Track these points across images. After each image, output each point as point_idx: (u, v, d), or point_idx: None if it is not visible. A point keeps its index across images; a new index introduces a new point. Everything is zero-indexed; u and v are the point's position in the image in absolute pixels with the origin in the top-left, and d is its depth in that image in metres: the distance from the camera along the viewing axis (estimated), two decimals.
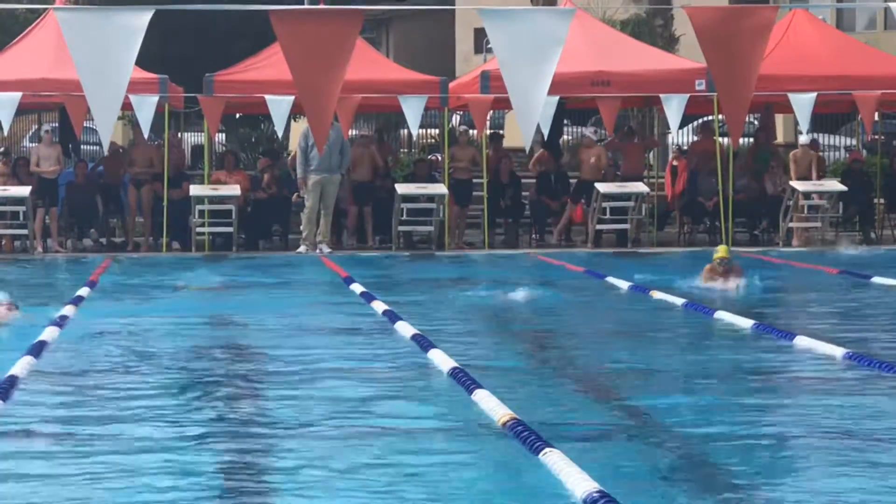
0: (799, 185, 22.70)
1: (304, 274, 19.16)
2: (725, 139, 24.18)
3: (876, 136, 27.55)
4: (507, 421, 7.98)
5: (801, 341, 11.38)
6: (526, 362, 11.12)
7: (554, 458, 6.97)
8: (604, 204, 22.52)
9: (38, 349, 10.96)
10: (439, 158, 25.26)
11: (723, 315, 13.17)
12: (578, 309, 14.63)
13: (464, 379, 9.42)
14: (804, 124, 23.04)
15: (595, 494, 6.25)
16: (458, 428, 8.22)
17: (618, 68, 22.53)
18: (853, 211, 23.91)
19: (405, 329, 12.17)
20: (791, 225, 22.83)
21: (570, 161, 24.15)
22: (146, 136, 22.74)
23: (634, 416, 8.75)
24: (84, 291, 15.51)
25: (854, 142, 30.00)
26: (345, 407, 8.88)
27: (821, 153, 25.78)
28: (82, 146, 28.27)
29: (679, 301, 14.37)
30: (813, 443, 7.77)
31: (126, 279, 17.80)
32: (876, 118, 25.33)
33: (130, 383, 9.87)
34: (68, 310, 13.58)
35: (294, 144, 25.95)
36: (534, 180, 24.13)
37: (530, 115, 16.33)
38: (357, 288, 15.83)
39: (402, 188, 22.40)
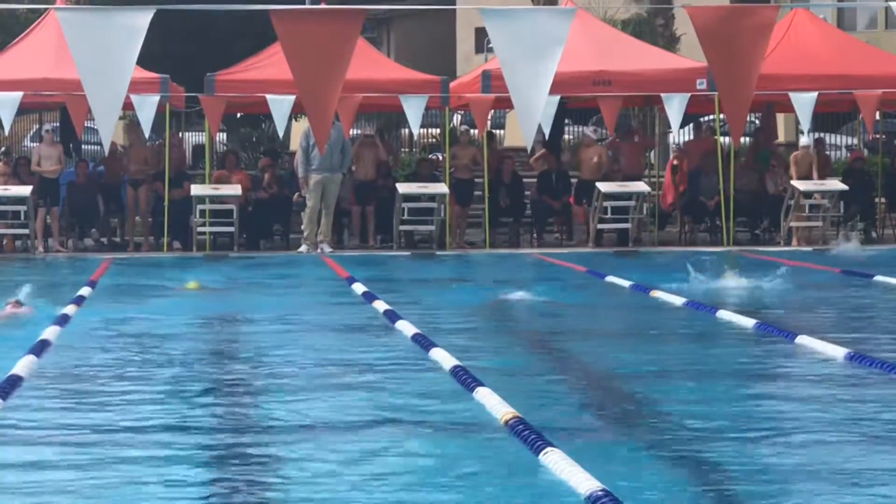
0: (800, 185, 22.70)
1: (305, 274, 19.16)
2: (726, 138, 24.18)
3: (877, 136, 27.54)
4: (510, 419, 7.98)
5: (803, 340, 11.38)
6: (527, 361, 11.11)
7: (556, 457, 6.97)
8: (605, 203, 22.52)
9: (39, 349, 10.96)
10: (440, 158, 25.26)
11: (724, 314, 13.17)
12: (579, 308, 14.61)
13: (465, 378, 9.42)
14: (805, 124, 23.03)
15: (599, 493, 6.25)
16: (459, 427, 8.22)
17: (619, 68, 22.53)
18: (854, 210, 23.90)
19: (406, 328, 12.17)
20: (792, 224, 22.82)
21: (571, 160, 24.14)
22: (147, 135, 22.75)
23: (636, 414, 8.75)
24: (85, 291, 15.52)
25: (855, 141, 30.00)
26: (346, 406, 8.87)
27: (827, 153, 25.79)
28: (83, 146, 28.26)
29: (680, 300, 14.37)
30: (815, 442, 7.76)
31: (127, 279, 17.80)
32: (877, 117, 25.33)
33: (130, 383, 9.86)
34: (70, 309, 13.58)
35: (295, 144, 25.96)
36: (535, 180, 24.14)
37: (532, 115, 16.33)
38: (358, 288, 15.83)
39: (403, 187, 22.40)
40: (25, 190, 21.73)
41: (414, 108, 22.26)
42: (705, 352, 11.56)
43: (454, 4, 39.51)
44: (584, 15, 22.39)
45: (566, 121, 29.74)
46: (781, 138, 30.02)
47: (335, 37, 20.37)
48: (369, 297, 14.85)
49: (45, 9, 23.24)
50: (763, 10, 18.32)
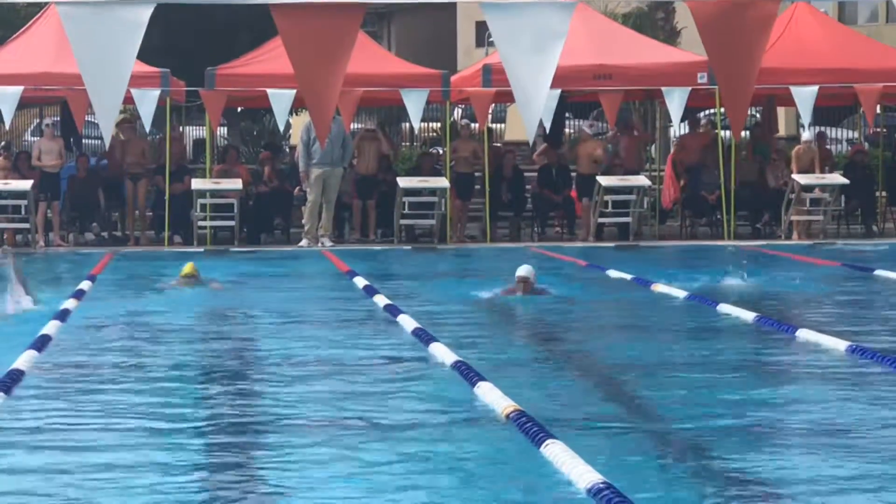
0: (800, 179, 22.70)
1: (305, 268, 19.15)
2: (726, 132, 24.17)
3: (878, 130, 27.53)
4: (511, 412, 7.98)
5: (804, 334, 11.38)
6: (528, 355, 11.12)
7: (557, 450, 6.97)
8: (605, 197, 22.51)
9: (40, 343, 10.96)
10: (441, 152, 25.25)
11: (725, 308, 13.17)
12: (581, 302, 14.61)
13: (466, 371, 9.42)
14: (806, 117, 23.03)
15: (600, 486, 6.25)
16: (461, 420, 8.22)
17: (619, 61, 22.52)
18: (855, 204, 23.90)
19: (407, 322, 12.17)
20: (793, 218, 22.82)
21: (569, 154, 24.14)
22: (147, 129, 22.75)
23: (637, 407, 8.75)
24: (86, 285, 15.52)
25: (856, 135, 29.99)
26: (346, 400, 8.87)
27: (828, 146, 25.77)
28: (84, 140, 28.26)
29: (681, 293, 14.37)
30: (815, 435, 7.77)
31: (128, 273, 17.81)
32: (878, 111, 25.33)
33: (131, 378, 9.87)
34: (70, 304, 13.59)
35: (295, 138, 25.95)
36: (535, 174, 24.14)
37: (533, 108, 16.32)
38: (359, 282, 15.83)
39: (403, 182, 22.40)
40: (26, 184, 21.73)
41: (414, 102, 22.26)
42: (707, 344, 11.55)
43: None
44: (584, 9, 22.39)
45: (567, 115, 29.74)
46: (782, 132, 30.00)
47: (336, 31, 20.36)
48: (370, 291, 14.85)
49: (46, 3, 23.23)
50: (764, 3, 18.30)
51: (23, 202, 21.73)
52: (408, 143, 34.23)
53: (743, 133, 23.71)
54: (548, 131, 24.11)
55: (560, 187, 23.63)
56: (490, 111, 25.31)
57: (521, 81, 15.92)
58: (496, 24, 16.16)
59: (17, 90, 21.46)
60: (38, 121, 31.55)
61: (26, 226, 21.96)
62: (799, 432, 7.86)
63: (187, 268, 15.72)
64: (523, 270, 14.25)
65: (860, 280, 16.53)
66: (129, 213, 22.84)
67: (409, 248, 21.79)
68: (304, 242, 21.97)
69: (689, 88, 22.15)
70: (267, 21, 21.50)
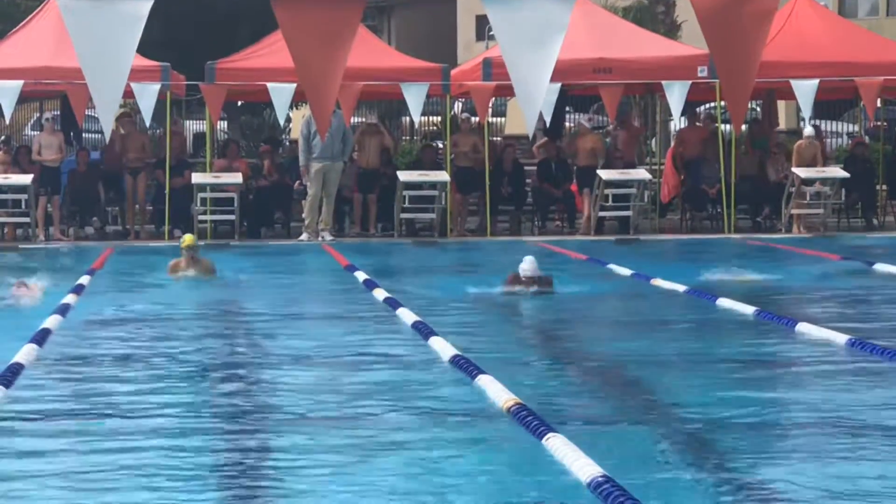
0: (801, 172, 22.67)
1: (306, 262, 19.14)
2: (727, 126, 24.15)
3: (878, 123, 27.51)
4: (512, 406, 7.98)
5: (803, 328, 11.38)
6: (528, 349, 11.11)
7: (558, 443, 6.97)
8: (606, 191, 22.49)
9: (41, 337, 10.96)
10: (441, 146, 25.22)
11: (725, 302, 13.17)
12: (581, 296, 14.60)
13: (466, 365, 9.42)
14: (806, 111, 23.01)
15: (600, 479, 6.26)
16: (461, 413, 8.22)
17: (620, 55, 22.50)
18: (855, 198, 23.88)
19: (406, 316, 12.17)
20: (793, 212, 22.80)
21: (568, 148, 24.11)
22: (147, 123, 22.73)
23: (637, 401, 8.75)
24: (85, 279, 15.51)
25: (856, 128, 29.97)
26: (346, 394, 8.88)
27: (824, 138, 25.75)
28: (84, 134, 28.24)
29: (681, 288, 14.36)
30: (816, 428, 7.77)
31: (128, 267, 17.80)
32: (878, 105, 25.31)
33: (131, 372, 9.87)
34: (70, 298, 13.58)
35: (296, 132, 25.93)
36: (535, 168, 24.11)
37: (533, 102, 16.34)
38: (359, 275, 15.82)
39: (404, 175, 22.38)
40: (26, 178, 21.72)
41: (415, 96, 22.24)
42: (707, 339, 11.56)
43: None
44: (584, 2, 22.37)
45: (567, 108, 29.71)
46: (783, 125, 29.98)
47: (336, 25, 20.37)
48: (370, 284, 14.85)
49: None
50: None
51: (23, 196, 21.72)
52: (408, 137, 34.20)
53: (742, 127, 23.67)
54: (548, 125, 24.08)
55: (560, 181, 23.61)
56: (490, 105, 25.28)
57: (521, 75, 15.98)
58: (496, 18, 16.23)
59: (17, 84, 21.44)
60: (38, 115, 31.54)
61: (26, 220, 21.95)
62: (799, 425, 7.86)
63: (187, 239, 15.78)
64: (528, 267, 14.09)
65: (860, 274, 16.51)
66: (130, 208, 22.83)
67: (410, 241, 21.78)
68: (304, 236, 21.96)
69: (690, 82, 22.13)
70: (267, 14, 21.56)
